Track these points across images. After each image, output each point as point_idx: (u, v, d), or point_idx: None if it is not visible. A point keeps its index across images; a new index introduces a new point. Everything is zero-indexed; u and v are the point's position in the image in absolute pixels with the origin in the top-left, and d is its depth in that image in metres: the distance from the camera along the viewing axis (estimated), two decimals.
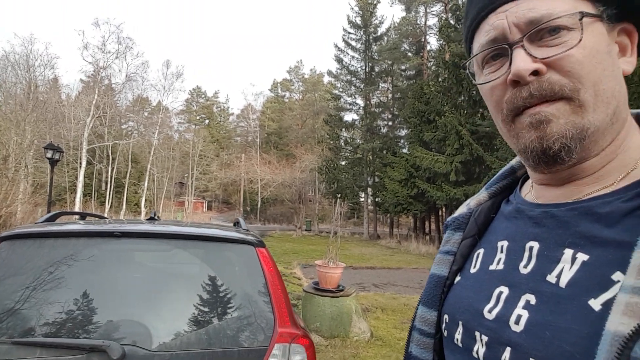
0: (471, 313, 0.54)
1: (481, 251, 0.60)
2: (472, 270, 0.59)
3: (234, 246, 1.94)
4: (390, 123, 30.75)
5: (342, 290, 5.30)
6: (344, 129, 29.87)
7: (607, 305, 0.40)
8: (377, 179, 27.02)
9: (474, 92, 17.33)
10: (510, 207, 0.60)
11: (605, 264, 0.42)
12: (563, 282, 0.45)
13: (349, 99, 30.47)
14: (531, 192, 0.59)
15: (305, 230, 30.04)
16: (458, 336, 0.56)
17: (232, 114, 66.17)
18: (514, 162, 0.68)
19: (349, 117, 30.46)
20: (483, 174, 16.60)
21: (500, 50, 0.51)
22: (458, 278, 0.61)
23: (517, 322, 0.47)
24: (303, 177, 33.83)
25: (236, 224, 2.59)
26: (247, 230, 2.31)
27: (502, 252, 0.55)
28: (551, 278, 0.46)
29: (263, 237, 23.01)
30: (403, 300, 8.06)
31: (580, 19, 0.46)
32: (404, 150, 25.08)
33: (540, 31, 0.47)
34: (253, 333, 1.70)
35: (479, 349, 0.51)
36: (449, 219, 0.70)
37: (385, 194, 23.07)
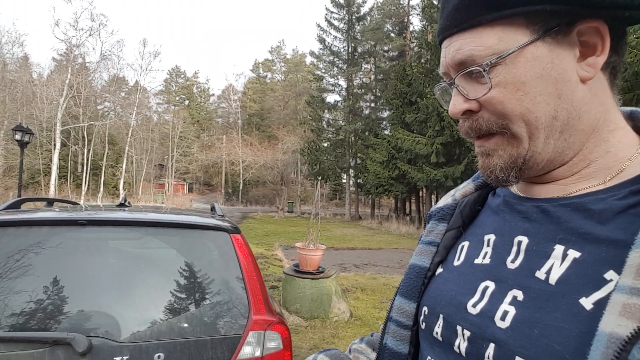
0: (453, 306, 0.52)
1: (466, 244, 0.58)
2: (456, 263, 0.57)
3: (207, 233, 1.89)
4: (372, 104, 30.69)
5: (322, 272, 5.33)
6: (326, 111, 29.67)
7: (600, 304, 0.38)
8: (359, 161, 27.12)
9: None
10: (498, 200, 0.59)
11: (597, 262, 0.41)
12: (553, 279, 0.43)
13: (332, 80, 30.20)
14: (517, 186, 0.57)
15: (288, 211, 30.08)
16: (438, 329, 0.54)
17: (213, 94, 65.01)
18: None
19: (331, 98, 30.45)
20: (463, 155, 16.80)
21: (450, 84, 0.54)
22: (440, 270, 0.60)
23: (502, 318, 0.45)
24: (285, 159, 33.64)
25: (212, 209, 2.54)
26: (223, 216, 2.26)
27: (488, 245, 0.54)
28: (540, 274, 0.45)
29: (245, 218, 23.07)
30: (383, 280, 8.20)
31: (485, 70, 0.47)
32: (386, 132, 25.16)
33: (469, 72, 0.49)
34: (228, 321, 1.67)
35: (461, 343, 0.50)
36: (433, 208, 0.68)
37: (367, 175, 23.21)
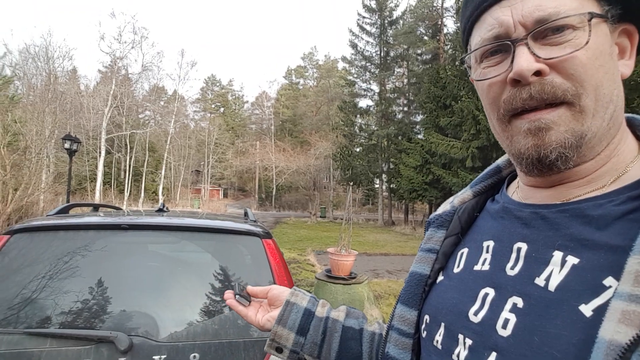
0: (455, 314, 0.52)
1: (465, 250, 0.58)
2: (456, 270, 0.57)
3: (240, 238, 1.94)
4: (405, 109, 30.32)
5: (354, 278, 5.31)
6: (358, 115, 29.62)
7: (599, 311, 0.38)
8: (391, 166, 26.81)
9: None
10: (497, 206, 0.58)
11: (596, 268, 0.41)
12: (552, 286, 0.43)
13: (364, 85, 30.12)
14: (517, 192, 0.57)
15: (320, 217, 30.16)
16: (438, 337, 0.54)
17: (247, 101, 66.42)
18: (500, 161, 0.66)
19: (363, 103, 30.31)
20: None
21: (502, 46, 0.48)
22: (440, 277, 0.60)
23: (504, 327, 0.45)
24: (317, 164, 33.82)
25: (245, 214, 2.61)
26: (255, 221, 2.32)
27: (487, 252, 0.53)
28: (540, 281, 0.45)
29: (278, 223, 23.29)
30: None
31: (589, 20, 0.44)
32: (419, 136, 24.77)
33: (545, 29, 0.45)
34: None
35: (460, 352, 0.49)
36: (431, 216, 0.68)
37: (400, 180, 22.91)
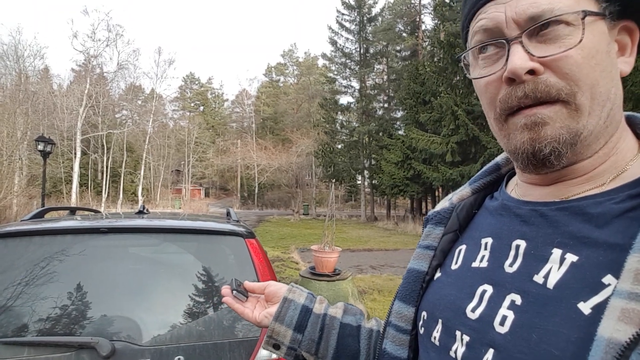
0: (452, 311, 0.52)
1: (463, 247, 0.58)
2: (454, 267, 0.58)
3: (223, 238, 1.93)
4: (386, 105, 30.58)
5: (338, 274, 5.34)
6: (339, 112, 29.69)
7: (598, 309, 0.38)
8: (373, 162, 27.03)
9: None
10: (496, 203, 0.59)
11: (595, 266, 0.41)
12: (551, 283, 0.43)
13: (344, 82, 30.22)
14: (516, 189, 0.57)
15: (303, 214, 30.16)
16: (436, 334, 0.54)
17: (227, 99, 65.89)
18: (499, 159, 0.66)
19: (344, 100, 30.50)
20: (479, 154, 16.60)
21: (497, 44, 0.49)
22: (438, 274, 0.60)
23: (502, 323, 0.45)
24: (299, 162, 33.78)
25: (227, 214, 2.58)
26: (238, 221, 2.30)
27: (485, 249, 0.54)
28: (538, 278, 0.45)
29: (261, 222, 23.17)
30: (400, 281, 8.14)
31: (583, 18, 0.44)
32: (400, 132, 25.04)
33: (540, 26, 0.46)
34: (245, 324, 1.71)
35: (458, 348, 0.50)
36: (430, 213, 0.69)
37: (381, 176, 23.12)
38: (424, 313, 0.58)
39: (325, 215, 6.94)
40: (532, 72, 0.45)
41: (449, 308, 0.53)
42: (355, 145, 28.21)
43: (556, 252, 0.45)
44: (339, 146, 29.73)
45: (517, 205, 0.54)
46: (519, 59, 0.45)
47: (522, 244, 0.49)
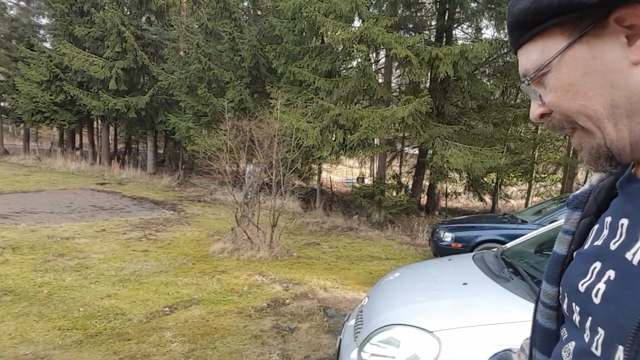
0: (572, 287, 0.58)
1: (595, 227, 0.60)
2: (585, 247, 0.60)
3: None
4: (22, 3, 23.13)
5: None
6: None
7: None
8: (2, 77, 20.21)
9: None
10: (620, 179, 0.60)
11: None
12: (636, 260, 0.46)
13: None
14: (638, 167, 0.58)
15: None
16: (565, 307, 0.60)
17: None
18: None
19: None
20: (149, 85, 15.53)
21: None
22: (575, 256, 0.63)
23: (596, 295, 0.50)
24: None
25: None
26: None
27: (606, 228, 0.56)
28: (629, 255, 0.47)
29: None
30: (47, 232, 6.47)
31: (529, 83, 0.55)
32: (46, 45, 19.73)
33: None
34: None
35: (575, 317, 0.56)
36: (570, 196, 0.70)
37: (16, 97, 17.66)
38: (561, 289, 0.64)
39: None
40: (546, 114, 0.55)
41: (570, 284, 0.59)
42: None
43: None
44: None
45: (628, 184, 0.56)
46: (532, 109, 0.57)
47: (625, 222, 0.51)
